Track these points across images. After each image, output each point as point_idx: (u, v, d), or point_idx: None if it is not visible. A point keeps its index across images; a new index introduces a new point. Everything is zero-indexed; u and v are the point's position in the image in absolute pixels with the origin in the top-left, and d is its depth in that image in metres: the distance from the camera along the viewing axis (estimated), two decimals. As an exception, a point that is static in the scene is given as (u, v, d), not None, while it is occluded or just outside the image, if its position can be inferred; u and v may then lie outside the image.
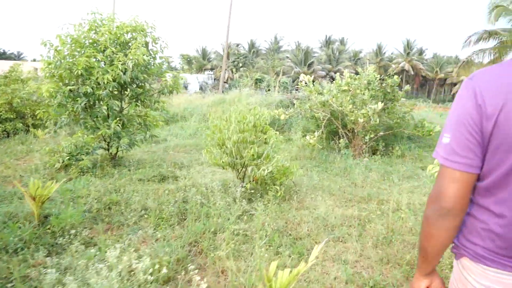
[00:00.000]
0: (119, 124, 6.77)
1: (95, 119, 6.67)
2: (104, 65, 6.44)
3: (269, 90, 13.60)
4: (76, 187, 5.32)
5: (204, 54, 61.69)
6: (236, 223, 4.15)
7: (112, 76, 6.23)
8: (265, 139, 5.08)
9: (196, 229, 3.91)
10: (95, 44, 6.45)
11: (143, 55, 6.47)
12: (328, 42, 61.49)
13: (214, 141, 5.16)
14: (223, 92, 21.75)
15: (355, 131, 7.99)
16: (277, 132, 5.13)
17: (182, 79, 7.34)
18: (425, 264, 1.11)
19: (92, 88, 6.31)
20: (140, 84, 7.07)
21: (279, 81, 16.18)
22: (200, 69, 59.06)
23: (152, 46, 7.07)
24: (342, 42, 61.80)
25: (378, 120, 7.36)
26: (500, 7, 12.99)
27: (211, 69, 55.82)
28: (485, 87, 0.92)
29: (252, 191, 5.37)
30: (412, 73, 52.01)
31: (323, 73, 51.01)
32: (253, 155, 4.83)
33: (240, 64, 49.98)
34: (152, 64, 7.03)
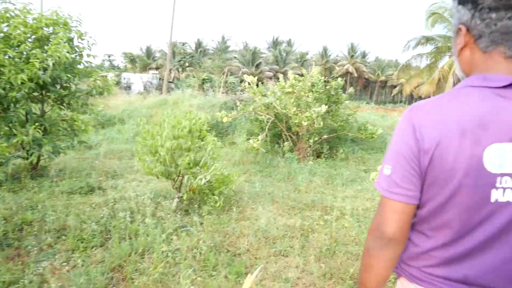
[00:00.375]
0: (40, 130, 6.03)
1: (10, 124, 5.87)
2: (19, 63, 5.68)
3: (213, 91, 13.17)
4: (-18, 205, 4.59)
5: (149, 53, 59.68)
6: (168, 242, 3.72)
7: (28, 75, 5.50)
8: (203, 145, 4.68)
9: (121, 251, 3.43)
10: (7, 39, 5.66)
11: (66, 52, 5.81)
12: (275, 43, 62.10)
13: (147, 148, 4.67)
14: (169, 92, 20.96)
15: (299, 134, 7.83)
16: (215, 138, 4.75)
17: (113, 79, 6.72)
18: None
19: (3, 89, 5.53)
20: (65, 85, 6.37)
21: (225, 81, 15.77)
22: (145, 68, 56.99)
23: (78, 42, 6.39)
24: (289, 43, 62.71)
25: (322, 123, 7.24)
26: (436, 14, 13.64)
27: (156, 68, 54.13)
28: (423, 121, 0.95)
29: (190, 202, 4.96)
30: (356, 75, 53.96)
31: (271, 74, 51.38)
32: (188, 163, 4.42)
33: (187, 64, 48.90)
34: (77, 62, 6.34)
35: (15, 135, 5.82)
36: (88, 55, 6.56)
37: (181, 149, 4.55)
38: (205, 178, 4.46)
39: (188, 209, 4.80)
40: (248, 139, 8.27)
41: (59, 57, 5.64)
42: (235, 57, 58.37)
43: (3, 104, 5.81)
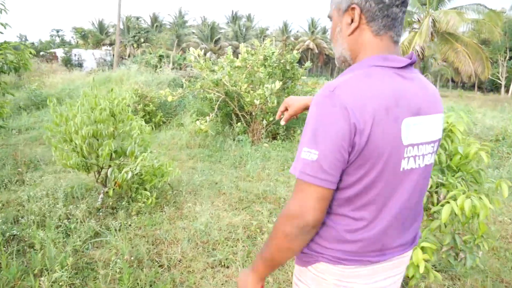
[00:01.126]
0: None
1: None
2: None
3: (160, 67, 12.08)
4: None
5: (102, 28, 56.25)
6: (77, 255, 2.96)
7: None
8: (128, 131, 3.88)
9: (9, 274, 2.65)
10: None
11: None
12: (234, 18, 60.44)
13: (61, 135, 3.81)
14: (125, 66, 19.48)
15: (253, 114, 7.14)
16: (142, 122, 3.95)
17: (31, 52, 5.65)
18: (268, 271, 1.13)
19: None
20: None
21: (177, 57, 14.60)
22: (98, 44, 53.73)
23: (-18, 7, 5.26)
24: (249, 18, 61.26)
25: (275, 101, 6.58)
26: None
27: (110, 44, 51.22)
28: (355, 102, 0.91)
29: (119, 198, 4.18)
30: (317, 51, 53.62)
31: (231, 49, 49.96)
32: (108, 153, 3.62)
33: (142, 40, 46.48)
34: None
35: None
36: (-2, 23, 5.44)
37: (101, 136, 3.74)
38: (132, 171, 3.69)
39: (116, 206, 4.03)
40: (197, 119, 7.50)
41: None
42: (193, 33, 56.23)
43: None
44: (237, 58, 7.30)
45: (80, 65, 30.79)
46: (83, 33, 54.41)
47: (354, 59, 1.06)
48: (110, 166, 3.89)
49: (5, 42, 5.59)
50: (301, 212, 0.97)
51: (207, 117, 6.72)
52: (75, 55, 32.79)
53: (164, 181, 4.02)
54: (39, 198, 3.88)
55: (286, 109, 1.50)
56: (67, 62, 29.24)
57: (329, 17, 1.13)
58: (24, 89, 10.64)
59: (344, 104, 0.90)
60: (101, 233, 3.31)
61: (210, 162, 6.14)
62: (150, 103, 8.58)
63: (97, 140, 3.78)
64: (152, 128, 8.47)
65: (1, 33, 5.50)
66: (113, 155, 3.83)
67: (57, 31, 60.99)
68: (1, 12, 5.50)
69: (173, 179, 4.47)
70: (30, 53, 5.64)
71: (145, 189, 3.94)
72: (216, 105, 7.08)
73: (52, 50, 35.90)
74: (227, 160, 6.17)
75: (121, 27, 46.65)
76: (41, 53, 32.51)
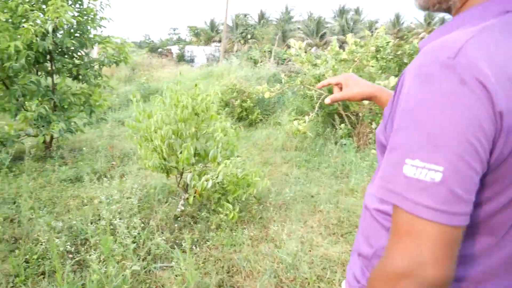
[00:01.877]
0: (47, 105, 5.14)
1: (16, 99, 5.04)
2: (14, 28, 4.74)
3: (261, 62, 11.67)
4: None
5: (213, 26, 59.35)
6: (138, 278, 2.52)
7: (23, 42, 4.53)
8: (212, 132, 3.37)
9: (64, 294, 2.30)
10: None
11: (71, 14, 4.77)
12: (342, 12, 58.32)
13: (142, 133, 3.48)
14: (228, 61, 19.86)
15: (360, 115, 6.20)
16: (228, 123, 3.39)
17: (130, 46, 5.58)
18: None
19: (1, 59, 4.65)
20: (74, 54, 5.39)
21: (282, 52, 14.06)
22: (209, 41, 56.82)
23: (89, 3, 5.30)
24: (357, 11, 58.54)
25: (388, 100, 5.57)
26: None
27: (219, 41, 53.68)
28: (500, 78, 0.54)
29: (201, 206, 3.73)
30: (432, 45, 48.74)
31: (337, 44, 48.31)
32: (187, 158, 3.14)
33: (249, 36, 47.67)
34: (85, 27, 5.28)
35: (26, 110, 5.00)
36: (102, 18, 5.47)
37: (182, 137, 3.29)
38: (213, 179, 3.17)
39: (196, 215, 3.58)
40: (295, 118, 6.82)
41: (64, 20, 4.60)
42: (298, 28, 55.84)
43: (10, 76, 4.97)
44: (309, 56, 6.46)
45: (191, 60, 32.63)
46: (196, 31, 58.03)
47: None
48: (188, 171, 3.44)
49: (108, 36, 5.62)
50: (416, 267, 0.57)
51: (306, 117, 6.00)
52: (187, 51, 34.93)
53: (250, 193, 3.42)
54: (117, 199, 3.61)
55: (339, 87, 1.17)
56: (181, 58, 31.24)
57: None
58: (134, 82, 11.23)
59: (480, 78, 0.53)
60: (171, 252, 2.84)
61: (306, 169, 5.42)
62: (248, 99, 8.18)
63: (180, 140, 3.35)
64: (249, 125, 8.09)
65: (104, 27, 5.52)
66: (194, 158, 3.35)
67: (174, 30, 66.18)
68: (105, 7, 5.51)
69: (260, 189, 3.86)
70: (130, 46, 5.57)
71: (228, 201, 3.40)
72: (317, 104, 6.31)
73: (168, 47, 38.83)
74: (326, 168, 5.38)
75: (230, 24, 48.55)
76: (159, 50, 35.24)
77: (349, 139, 6.21)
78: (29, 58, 4.69)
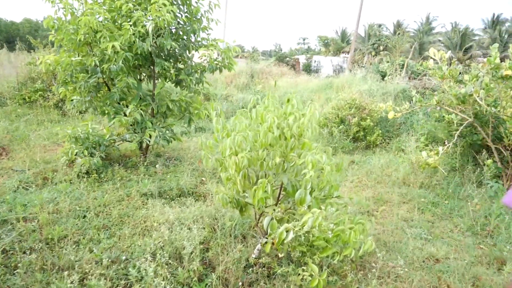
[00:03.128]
0: (143, 111, 4.96)
1: (117, 103, 4.97)
2: (117, 28, 4.61)
3: (389, 75, 10.14)
4: (31, 200, 3.67)
5: (343, 36, 57.89)
6: None
7: (121, 43, 4.36)
8: (302, 164, 2.50)
9: None
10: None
11: (173, 13, 4.46)
12: (494, 23, 50.99)
13: (218, 157, 2.81)
14: (351, 72, 18.68)
15: (518, 150, 4.59)
16: (324, 156, 2.44)
17: (235, 51, 5.06)
18: None
19: (101, 61, 4.58)
20: (175, 57, 5.10)
21: (416, 66, 12.23)
22: (338, 52, 55.57)
23: (196, 2, 4.95)
24: (514, 22, 50.52)
25: None
26: None
27: (349, 52, 52.03)
28: None
29: (280, 258, 2.89)
30: None
31: (483, 59, 42.36)
32: (262, 198, 2.33)
33: (381, 47, 45.03)
34: (191, 28, 4.93)
35: (118, 114, 4.90)
36: (209, 20, 5.08)
37: (263, 168, 2.51)
38: (295, 231, 2.31)
39: (272, 266, 2.76)
40: (424, 146, 5.47)
41: (166, 20, 4.30)
42: (439, 40, 50.64)
43: (104, 78, 4.94)
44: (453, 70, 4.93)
45: (317, 71, 32.13)
46: (326, 41, 57.37)
47: None
48: (264, 212, 2.63)
49: (214, 39, 5.21)
50: None
51: (441, 147, 4.65)
52: (314, 61, 34.57)
53: (345, 255, 2.45)
54: (183, 235, 2.99)
55: None
56: (307, 68, 31.08)
57: None
58: (249, 89, 10.99)
59: None
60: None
61: (433, 215, 4.14)
62: (368, 117, 7.03)
63: (261, 171, 2.59)
64: (366, 148, 6.93)
65: (211, 29, 5.11)
66: (282, 193, 2.54)
67: (303, 39, 66.71)
68: (215, 7, 5.11)
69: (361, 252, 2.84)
70: (235, 51, 5.05)
71: (313, 260, 2.48)
72: (458, 131, 4.90)
73: (296, 57, 39.07)
74: (461, 218, 4.02)
75: (362, 34, 46.53)
76: (287, 59, 35.61)
77: (498, 182, 4.65)
78: (128, 61, 4.51)
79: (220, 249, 2.96)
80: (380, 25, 50.87)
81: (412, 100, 5.93)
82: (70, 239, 3.04)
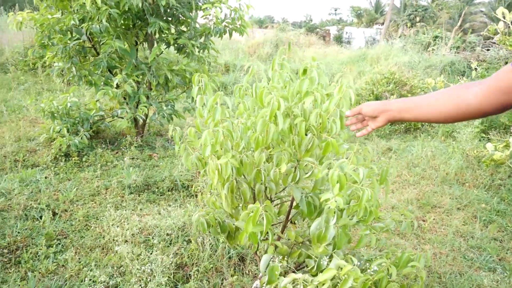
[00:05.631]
0: (139, 82, 4.10)
1: (106, 71, 4.12)
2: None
3: (435, 45, 8.75)
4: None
5: (377, 7, 54.78)
6: None
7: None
8: (325, 175, 1.54)
9: None
10: None
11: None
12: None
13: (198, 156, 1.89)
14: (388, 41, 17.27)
15: None
16: (362, 168, 1.47)
17: (247, 10, 4.03)
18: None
19: (82, 19, 3.69)
20: (174, 17, 4.14)
21: (455, 39, 10.66)
22: (371, 23, 52.76)
23: None
24: None
25: None
26: None
27: (382, 23, 49.31)
28: None
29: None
30: None
31: (533, 33, 39.06)
32: (253, 234, 1.41)
33: (418, 18, 42.14)
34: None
35: (107, 85, 4.05)
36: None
37: (259, 178, 1.58)
38: (305, 284, 1.39)
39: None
40: (484, 134, 4.35)
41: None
42: (481, 11, 46.82)
43: (90, 41, 4.09)
44: None
45: (348, 42, 30.65)
46: (358, 11, 54.52)
47: None
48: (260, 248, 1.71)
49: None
50: None
51: (511, 138, 3.54)
52: (346, 32, 33.21)
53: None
54: (146, 253, 2.14)
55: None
56: (338, 39, 29.69)
57: None
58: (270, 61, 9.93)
59: None
60: None
61: (500, 230, 3.12)
62: (409, 95, 5.89)
63: (258, 184, 1.66)
64: (405, 132, 5.83)
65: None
66: (273, 221, 1.62)
67: (335, 10, 63.67)
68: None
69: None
70: (247, 10, 4.02)
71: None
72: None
73: (326, 28, 37.21)
74: (542, 238, 2.98)
75: (398, 5, 43.59)
76: (317, 30, 33.91)
77: None
78: (114, 19, 3.60)
79: (205, 279, 2.11)
80: (418, -6, 47.65)
81: (465, 74, 4.78)
82: (7, 252, 2.26)
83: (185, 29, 4.30)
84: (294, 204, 1.78)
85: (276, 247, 1.64)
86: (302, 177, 1.63)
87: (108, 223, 2.55)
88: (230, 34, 4.18)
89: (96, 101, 4.23)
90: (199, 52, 4.24)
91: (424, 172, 4.25)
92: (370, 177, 1.53)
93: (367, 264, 1.75)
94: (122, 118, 4.36)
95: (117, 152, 4.13)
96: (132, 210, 2.89)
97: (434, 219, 3.30)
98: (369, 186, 1.45)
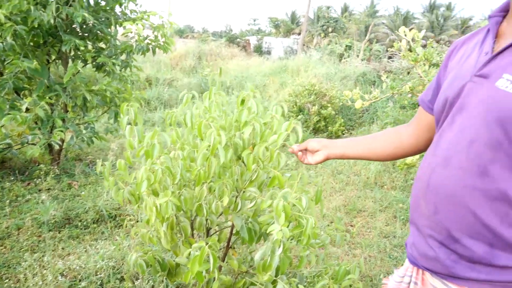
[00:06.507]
0: (53, 104, 3.77)
1: (13, 93, 3.72)
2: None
3: (348, 56, 9.47)
4: None
5: (293, 18, 57.46)
6: None
7: (8, 11, 3.12)
8: (266, 209, 1.55)
9: None
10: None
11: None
12: (432, 7, 52.96)
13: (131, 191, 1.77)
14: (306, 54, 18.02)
15: None
16: (304, 198, 1.50)
17: (171, 26, 3.96)
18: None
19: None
20: (92, 34, 3.90)
21: (367, 46, 11.70)
22: (288, 33, 55.03)
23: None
24: (448, 7, 52.77)
25: None
26: None
27: (299, 33, 51.80)
28: None
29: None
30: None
31: (424, 42, 43.83)
32: (205, 267, 1.36)
33: (330, 29, 45.05)
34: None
35: (13, 109, 3.64)
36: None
37: (201, 213, 1.53)
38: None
39: None
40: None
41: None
42: (383, 23, 51.67)
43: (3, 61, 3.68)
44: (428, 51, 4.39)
45: (268, 52, 31.52)
46: (276, 22, 56.56)
47: None
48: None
49: (145, 12, 4.06)
50: None
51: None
52: (266, 42, 34.06)
53: None
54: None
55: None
56: (258, 49, 30.39)
57: None
58: (196, 73, 9.83)
59: None
60: None
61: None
62: (329, 105, 6.24)
63: (201, 218, 1.61)
64: (329, 137, 6.14)
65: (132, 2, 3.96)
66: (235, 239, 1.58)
67: (254, 20, 65.27)
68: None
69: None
70: (171, 26, 3.94)
71: None
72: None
73: (246, 38, 37.91)
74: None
75: (311, 17, 46.15)
76: (237, 39, 34.34)
77: None
78: (21, 37, 3.28)
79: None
80: (328, 7, 50.88)
81: (376, 83, 5.21)
82: None
83: (104, 46, 4.07)
84: (234, 231, 1.77)
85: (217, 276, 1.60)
86: (244, 207, 1.62)
87: (23, 271, 2.28)
88: (154, 52, 4.05)
89: (1, 127, 3.79)
90: (120, 70, 4.04)
91: (348, 179, 4.52)
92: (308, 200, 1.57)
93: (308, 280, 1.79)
94: (34, 144, 3.96)
95: (29, 184, 3.75)
96: (53, 251, 2.62)
97: (361, 223, 3.50)
98: (307, 211, 1.48)
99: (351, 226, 3.49)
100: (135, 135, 1.70)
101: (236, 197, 1.63)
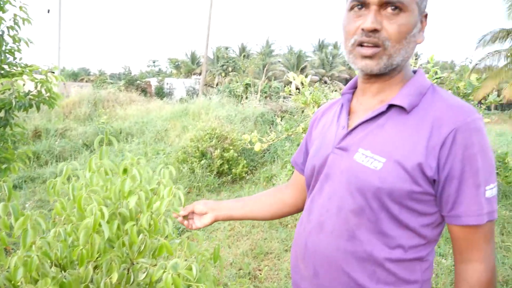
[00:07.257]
0: None
1: None
2: None
3: (246, 97, 9.98)
4: None
5: (193, 58, 58.35)
6: None
7: None
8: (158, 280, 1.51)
9: None
10: None
11: None
12: (321, 46, 58.61)
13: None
14: (207, 96, 18.28)
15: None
16: (194, 267, 1.52)
17: (57, 80, 3.76)
18: None
19: None
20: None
21: (265, 86, 12.51)
22: (189, 73, 55.57)
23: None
24: (335, 46, 59.02)
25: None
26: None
27: (200, 73, 52.69)
28: None
29: None
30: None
31: (316, 78, 48.31)
32: None
33: (230, 69, 46.76)
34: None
35: None
36: (15, 40, 3.67)
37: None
38: None
39: None
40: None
41: None
42: (279, 61, 55.37)
43: None
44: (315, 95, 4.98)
45: (170, 93, 31.36)
46: (176, 63, 56.86)
47: (399, 72, 0.93)
48: None
49: (26, 66, 3.81)
50: (493, 269, 0.88)
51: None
52: (167, 83, 33.90)
53: None
54: None
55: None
56: (159, 91, 30.04)
57: (401, 3, 0.83)
58: (91, 122, 9.33)
59: None
60: None
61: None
62: (231, 148, 6.40)
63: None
64: (233, 182, 6.26)
65: (17, 51, 3.72)
66: None
67: (154, 62, 64.64)
68: (24, 23, 3.73)
69: None
70: (55, 81, 3.74)
71: None
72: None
73: (147, 79, 37.30)
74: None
75: (211, 57, 47.46)
76: (137, 82, 33.60)
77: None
78: None
79: None
80: (227, 48, 53.16)
81: (273, 123, 5.54)
82: None
83: (-24, 104, 3.67)
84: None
85: None
86: (137, 279, 1.56)
87: None
88: (38, 108, 3.75)
89: None
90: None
91: (254, 221, 4.61)
92: (203, 262, 1.57)
93: None
94: None
95: None
96: None
97: (268, 266, 3.58)
98: (204, 274, 1.49)
99: (259, 270, 3.53)
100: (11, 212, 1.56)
101: (128, 269, 1.56)
